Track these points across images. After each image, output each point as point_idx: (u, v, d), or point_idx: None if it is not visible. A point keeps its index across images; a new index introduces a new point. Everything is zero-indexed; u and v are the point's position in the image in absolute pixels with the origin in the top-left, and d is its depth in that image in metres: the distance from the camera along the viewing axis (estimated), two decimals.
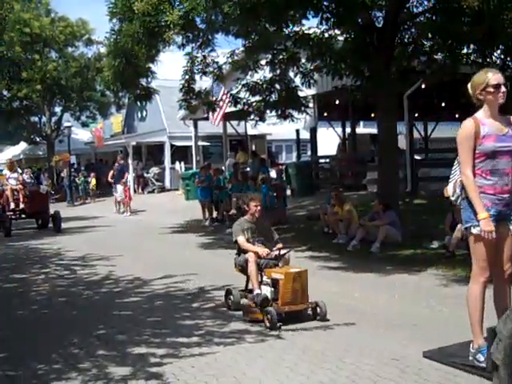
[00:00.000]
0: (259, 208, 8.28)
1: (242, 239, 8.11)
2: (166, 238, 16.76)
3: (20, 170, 20.86)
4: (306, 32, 14.25)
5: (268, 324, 7.10)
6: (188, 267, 11.52)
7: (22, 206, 19.19)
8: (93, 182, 32.11)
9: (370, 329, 7.07)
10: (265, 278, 7.69)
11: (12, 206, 19.06)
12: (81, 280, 10.87)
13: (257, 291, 7.60)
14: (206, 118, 25.97)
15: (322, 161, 25.45)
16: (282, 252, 7.93)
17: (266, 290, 7.55)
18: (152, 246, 15.26)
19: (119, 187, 23.90)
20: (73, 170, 33.75)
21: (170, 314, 8.06)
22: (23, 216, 19.57)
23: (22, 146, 40.41)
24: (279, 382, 5.49)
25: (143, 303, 8.84)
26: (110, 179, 24.98)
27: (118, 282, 10.45)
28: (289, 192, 21.36)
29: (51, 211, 19.85)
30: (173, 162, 32.43)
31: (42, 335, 7.37)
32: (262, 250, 7.89)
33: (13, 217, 19.07)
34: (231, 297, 8.09)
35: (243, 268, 8.06)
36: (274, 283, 7.50)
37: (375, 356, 6.06)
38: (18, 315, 8.51)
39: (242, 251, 8.16)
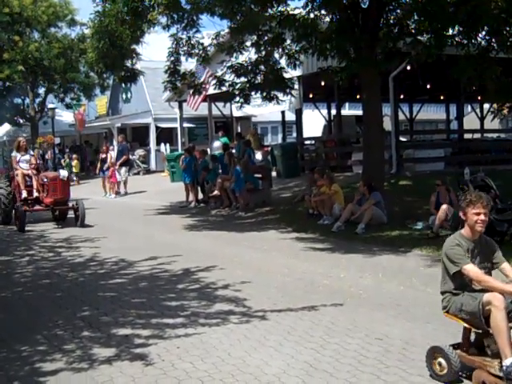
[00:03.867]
0: (482, 218, 5.11)
1: (473, 268, 5.02)
2: (151, 220, 16.71)
3: (32, 152, 17.82)
4: (291, 13, 14.17)
5: None
6: (173, 249, 11.52)
7: (35, 194, 15.85)
8: (75, 164, 31.81)
9: (354, 309, 7.11)
10: None
11: (24, 194, 15.77)
12: (65, 262, 10.82)
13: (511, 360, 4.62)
14: None
15: (307, 142, 25.43)
16: None
17: None
18: (137, 227, 15.22)
19: (122, 168, 23.63)
20: (57, 151, 33.47)
21: (155, 296, 8.06)
22: (38, 207, 15.95)
23: (6, 127, 40.03)
24: (264, 361, 5.51)
25: (128, 285, 8.83)
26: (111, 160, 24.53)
27: (103, 264, 10.42)
28: (274, 173, 21.36)
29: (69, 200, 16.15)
30: (158, 144, 32.28)
31: (26, 317, 7.34)
32: None
33: (26, 208, 15.40)
34: (442, 361, 5.05)
35: (475, 318, 4.94)
36: None
37: (359, 336, 6.11)
38: (2, 297, 8.47)
39: (466, 287, 5.15)
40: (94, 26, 14.27)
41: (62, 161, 31.76)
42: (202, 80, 18.88)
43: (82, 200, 15.95)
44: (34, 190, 15.87)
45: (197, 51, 16.06)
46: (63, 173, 16.34)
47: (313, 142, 25.76)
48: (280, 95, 16.81)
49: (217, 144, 25.73)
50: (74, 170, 31.61)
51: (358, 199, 13.37)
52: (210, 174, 18.90)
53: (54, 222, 16.26)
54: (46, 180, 15.57)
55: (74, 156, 32.14)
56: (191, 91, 17.70)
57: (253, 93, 17.17)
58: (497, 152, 24.09)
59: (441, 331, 6.14)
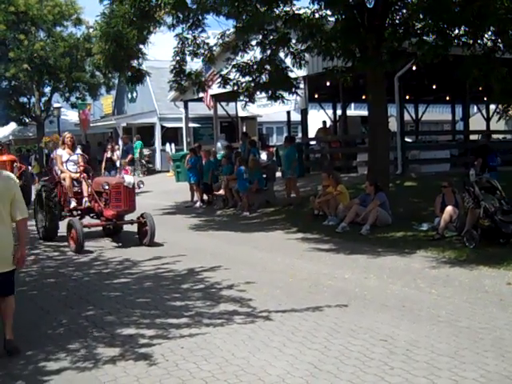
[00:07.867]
0: None
1: None
2: (157, 220, 16.59)
3: (80, 150, 14.56)
4: (296, 12, 14.17)
5: None
6: (178, 248, 11.53)
7: (87, 203, 12.97)
8: (35, 164, 31.12)
9: (359, 310, 7.09)
10: None
11: (73, 203, 13.05)
12: (70, 261, 10.83)
13: None
14: (197, 100, 25.91)
15: (312, 143, 25.40)
16: None
17: None
18: None
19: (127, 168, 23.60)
20: None
21: (160, 295, 8.05)
22: (96, 221, 13.05)
23: (12, 126, 40.14)
24: (267, 362, 5.50)
25: (132, 284, 8.83)
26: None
27: (108, 264, 10.43)
28: (279, 174, 21.31)
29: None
30: (163, 144, 32.30)
31: (31, 316, 7.34)
32: None
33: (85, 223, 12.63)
34: None
35: None
36: None
37: (364, 337, 6.09)
38: None
39: None
40: (101, 28, 14.27)
41: None
42: (206, 77, 18.89)
43: None
44: (85, 199, 13.02)
45: (202, 51, 16.07)
46: (128, 179, 12.85)
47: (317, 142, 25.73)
48: (285, 95, 16.80)
49: (222, 143, 25.73)
50: (33, 170, 30.96)
51: (362, 197, 13.36)
52: (223, 169, 18.81)
53: (107, 237, 13.53)
54: (106, 187, 12.33)
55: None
56: (195, 89, 17.67)
57: (258, 92, 17.16)
58: (503, 153, 24.00)
59: (445, 333, 6.12)
